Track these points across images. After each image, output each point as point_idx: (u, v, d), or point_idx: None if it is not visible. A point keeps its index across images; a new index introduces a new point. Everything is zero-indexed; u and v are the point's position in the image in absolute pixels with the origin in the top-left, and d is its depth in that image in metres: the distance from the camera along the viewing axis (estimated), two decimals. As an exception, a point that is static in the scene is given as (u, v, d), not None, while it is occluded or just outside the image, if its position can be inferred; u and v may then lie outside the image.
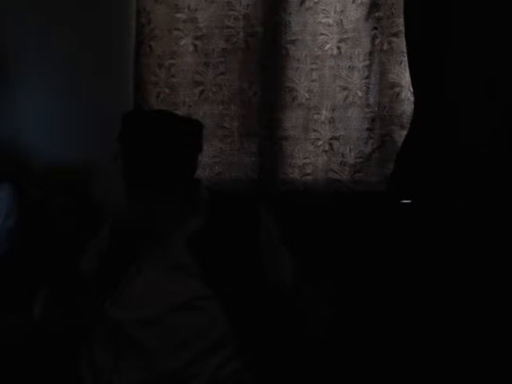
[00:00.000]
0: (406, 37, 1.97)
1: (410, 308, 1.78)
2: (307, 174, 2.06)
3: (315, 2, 2.03)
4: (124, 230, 1.52)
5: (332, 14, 2.03)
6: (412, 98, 2.01)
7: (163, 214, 1.53)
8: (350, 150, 2.06)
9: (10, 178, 1.83)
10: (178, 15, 2.01)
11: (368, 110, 2.05)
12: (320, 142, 2.06)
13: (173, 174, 1.53)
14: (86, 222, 1.88)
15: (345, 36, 2.04)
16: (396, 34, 2.02)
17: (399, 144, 2.04)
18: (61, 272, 1.56)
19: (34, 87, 2.01)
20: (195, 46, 2.02)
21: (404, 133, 2.03)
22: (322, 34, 2.04)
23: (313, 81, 2.05)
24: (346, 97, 2.06)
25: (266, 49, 2.02)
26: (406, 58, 2.00)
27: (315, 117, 2.06)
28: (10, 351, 1.47)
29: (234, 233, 1.55)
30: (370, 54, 2.04)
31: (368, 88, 2.05)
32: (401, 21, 1.99)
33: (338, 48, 2.04)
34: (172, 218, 1.53)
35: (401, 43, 2.01)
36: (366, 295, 1.80)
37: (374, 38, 2.03)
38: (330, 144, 2.07)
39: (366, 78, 2.04)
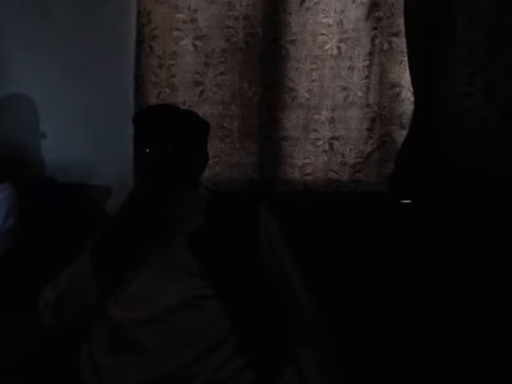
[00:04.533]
0: (406, 37, 1.97)
1: (410, 308, 1.77)
2: (307, 174, 2.07)
3: (315, 2, 2.03)
4: (125, 228, 1.52)
5: (332, 14, 2.04)
6: (412, 98, 2.02)
7: (168, 214, 1.54)
8: (350, 149, 2.07)
9: (10, 178, 1.83)
10: (179, 15, 2.01)
11: (368, 109, 2.06)
12: (320, 142, 2.07)
13: (186, 174, 1.54)
14: (85, 220, 1.89)
15: (345, 36, 2.04)
16: (396, 34, 2.03)
17: (399, 144, 2.04)
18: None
19: (34, 87, 2.01)
20: (195, 46, 2.02)
21: (404, 133, 2.04)
22: (322, 34, 2.04)
23: (313, 81, 2.05)
24: (346, 97, 2.06)
25: (266, 49, 2.02)
26: (405, 58, 2.01)
27: (315, 117, 2.06)
28: (10, 351, 1.47)
29: (234, 232, 1.55)
30: (370, 53, 2.04)
31: (368, 88, 2.05)
32: (401, 21, 2.00)
33: (338, 48, 2.05)
34: (175, 218, 1.54)
35: (401, 43, 2.02)
36: (366, 295, 1.80)
37: (373, 37, 2.03)
38: (330, 144, 2.07)
39: (366, 77, 2.05)
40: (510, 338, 1.74)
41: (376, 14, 2.02)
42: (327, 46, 2.05)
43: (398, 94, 2.05)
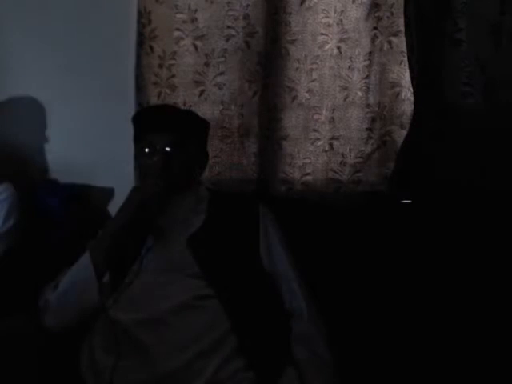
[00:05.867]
0: (406, 37, 1.97)
1: (410, 308, 1.77)
2: (307, 174, 2.07)
3: (315, 2, 2.03)
4: (126, 229, 1.52)
5: (332, 13, 2.04)
6: (412, 98, 2.02)
7: (168, 214, 1.54)
8: (350, 149, 2.07)
9: (10, 178, 1.83)
10: (179, 16, 2.00)
11: (368, 109, 2.06)
12: (320, 142, 2.07)
13: (186, 174, 1.55)
14: (86, 221, 1.89)
15: (345, 36, 2.04)
16: (396, 34, 2.03)
17: (399, 144, 2.04)
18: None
19: (34, 88, 2.01)
20: (195, 46, 2.01)
21: (404, 133, 2.04)
22: (322, 34, 2.04)
23: (313, 81, 2.05)
24: (346, 97, 2.06)
25: (266, 49, 2.02)
26: (405, 58, 2.01)
27: (315, 117, 2.06)
28: (10, 351, 1.47)
29: (234, 232, 1.56)
30: (370, 53, 2.04)
31: (368, 88, 2.05)
32: (401, 21, 2.00)
33: (338, 48, 2.05)
34: (175, 218, 1.54)
35: (401, 43, 2.03)
36: (366, 295, 1.79)
37: (374, 37, 2.03)
38: (330, 144, 2.07)
39: (366, 77, 2.05)
40: (510, 338, 1.74)
41: (376, 14, 2.02)
42: (327, 46, 2.05)
43: (398, 94, 2.05)
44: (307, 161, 2.06)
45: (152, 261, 1.53)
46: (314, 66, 2.05)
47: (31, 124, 2.04)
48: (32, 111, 2.03)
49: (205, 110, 1.99)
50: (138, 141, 1.59)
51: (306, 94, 2.05)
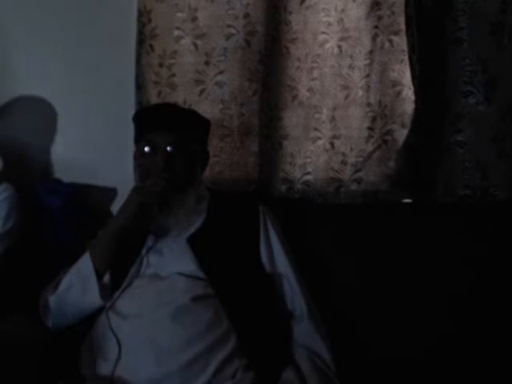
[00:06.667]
0: (407, 35, 1.97)
1: (410, 308, 1.77)
2: (308, 173, 2.06)
3: (316, 1, 2.01)
4: (126, 229, 1.52)
5: (333, 12, 2.03)
6: (413, 97, 2.01)
7: (169, 214, 1.54)
8: (351, 148, 2.06)
9: (11, 178, 1.83)
10: (179, 14, 1.99)
11: (369, 108, 2.05)
12: (321, 141, 2.06)
13: (187, 173, 1.55)
14: (87, 221, 1.89)
15: (345, 35, 2.03)
16: (397, 33, 2.02)
17: (400, 143, 2.04)
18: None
19: (34, 86, 2.01)
20: (196, 45, 2.01)
21: (405, 132, 2.03)
22: (323, 33, 2.03)
23: (313, 79, 2.04)
24: (347, 96, 2.05)
25: (267, 47, 2.01)
26: (406, 57, 2.01)
27: (316, 116, 2.05)
28: (11, 350, 1.47)
29: (234, 232, 1.56)
30: (371, 52, 2.03)
31: (369, 87, 2.04)
32: (401, 19, 2.00)
33: (339, 47, 2.04)
34: (176, 218, 1.54)
35: (401, 42, 2.02)
36: (366, 295, 1.79)
37: (374, 36, 2.02)
38: (331, 143, 2.06)
39: (367, 76, 2.04)
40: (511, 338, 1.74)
41: (377, 13, 2.01)
42: (328, 45, 2.04)
43: (399, 93, 2.04)
44: (308, 160, 2.05)
45: (152, 261, 1.53)
46: (315, 65, 2.04)
47: (32, 124, 2.04)
48: (32, 111, 2.03)
49: (205, 109, 1.99)
50: (139, 140, 1.59)
51: (307, 93, 2.05)
